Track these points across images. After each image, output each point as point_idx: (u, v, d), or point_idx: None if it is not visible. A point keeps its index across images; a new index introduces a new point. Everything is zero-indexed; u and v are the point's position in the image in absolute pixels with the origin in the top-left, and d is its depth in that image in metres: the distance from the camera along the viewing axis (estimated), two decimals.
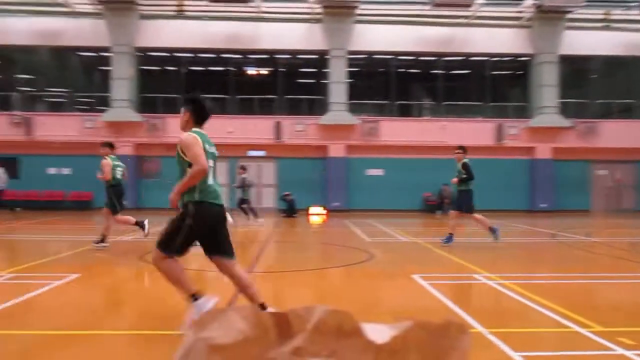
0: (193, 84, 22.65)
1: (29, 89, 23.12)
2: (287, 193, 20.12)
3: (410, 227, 15.85)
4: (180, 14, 21.73)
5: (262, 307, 4.20)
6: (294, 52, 22.84)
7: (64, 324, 4.66)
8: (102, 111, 21.27)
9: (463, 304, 5.70)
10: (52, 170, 21.54)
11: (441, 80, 23.37)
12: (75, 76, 24.11)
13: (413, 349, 1.53)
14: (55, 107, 22.58)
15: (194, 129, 4.40)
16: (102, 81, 22.76)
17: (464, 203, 10.34)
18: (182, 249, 4.20)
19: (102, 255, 9.28)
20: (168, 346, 4.20)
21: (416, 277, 6.90)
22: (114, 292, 6.51)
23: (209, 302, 4.17)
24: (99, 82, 23.93)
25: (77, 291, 6.36)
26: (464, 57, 23.40)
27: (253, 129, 21.61)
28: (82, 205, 21.33)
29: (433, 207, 21.47)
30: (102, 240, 9.56)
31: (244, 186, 15.60)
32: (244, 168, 15.98)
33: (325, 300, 5.92)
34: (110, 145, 9.82)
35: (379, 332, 1.50)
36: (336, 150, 21.93)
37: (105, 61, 21.77)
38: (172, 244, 4.16)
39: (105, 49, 21.51)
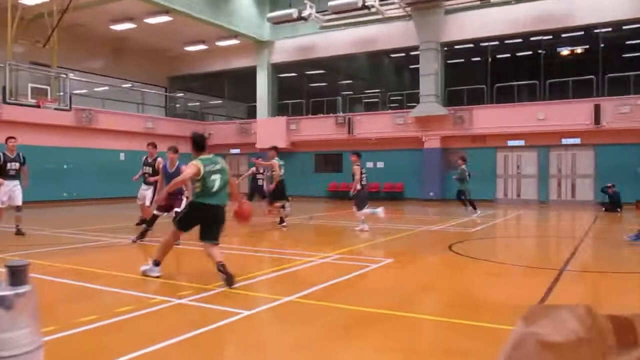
0: (499, 72, 21.98)
1: (349, 92, 26.08)
2: (609, 185, 17.70)
3: None
4: (484, 3, 21.29)
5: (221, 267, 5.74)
6: (617, 24, 19.94)
7: (379, 303, 5.04)
8: (411, 107, 22.47)
9: None
10: (369, 164, 23.81)
11: None
12: (387, 77, 26.16)
13: None
14: (371, 107, 24.90)
15: (200, 157, 6.11)
16: (411, 79, 24.09)
17: None
18: (184, 228, 6.32)
19: (412, 244, 9.78)
20: (476, 337, 4.12)
21: None
22: (423, 278, 6.77)
23: (154, 271, 6.24)
24: (408, 80, 25.41)
25: (391, 275, 6.83)
26: None
27: (566, 114, 19.70)
28: (394, 196, 22.99)
29: None
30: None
31: (463, 178, 14.94)
32: (463, 159, 15.24)
33: None
34: (276, 149, 12.27)
35: None
36: None
37: (414, 60, 22.91)
38: (179, 224, 6.33)
39: (414, 48, 22.63)
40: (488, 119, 20.85)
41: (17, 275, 1.24)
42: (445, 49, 22.68)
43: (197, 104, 31.39)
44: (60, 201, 20.19)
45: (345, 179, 24.08)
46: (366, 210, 11.67)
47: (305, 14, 21.83)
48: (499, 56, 22.71)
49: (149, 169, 10.92)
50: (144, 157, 11.21)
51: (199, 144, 6.25)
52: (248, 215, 6.98)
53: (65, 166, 20.65)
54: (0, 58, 17.94)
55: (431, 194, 21.52)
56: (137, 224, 11.39)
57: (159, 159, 10.52)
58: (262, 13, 25.09)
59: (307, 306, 4.97)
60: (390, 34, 23.38)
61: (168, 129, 25.54)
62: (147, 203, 11.05)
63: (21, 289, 1.23)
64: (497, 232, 12.58)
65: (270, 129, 25.12)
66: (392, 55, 25.29)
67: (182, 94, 31.11)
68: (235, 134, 26.65)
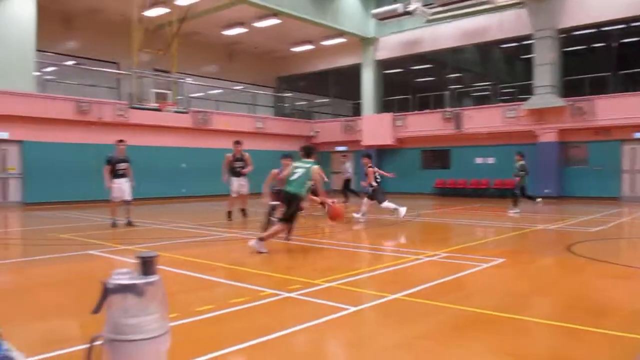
0: (625, 58, 20.17)
1: (457, 86, 25.30)
2: None
3: None
4: None
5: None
6: None
7: (490, 304, 4.86)
8: (523, 100, 21.32)
9: None
10: (478, 160, 22.95)
11: None
12: (498, 69, 25.03)
13: None
14: (480, 101, 23.96)
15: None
16: (523, 70, 22.84)
17: None
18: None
19: (527, 243, 9.31)
20: (596, 344, 3.84)
21: None
22: (537, 280, 6.41)
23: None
24: (520, 71, 24.12)
25: (502, 275, 6.55)
26: None
27: None
28: (505, 193, 21.95)
29: None
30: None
31: (525, 173, 15.13)
32: (521, 155, 15.21)
33: None
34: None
35: None
36: None
37: (527, 49, 21.71)
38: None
39: (527, 37, 21.44)
40: (612, 109, 19.18)
41: (147, 265, 1.36)
42: (563, 35, 21.21)
43: (304, 103, 32.16)
44: (179, 197, 21.69)
45: (453, 175, 23.50)
46: (390, 205, 12.54)
47: (410, 8, 21.50)
48: (626, 40, 20.81)
49: (240, 164, 13.12)
50: (230, 155, 13.20)
51: (306, 152, 8.64)
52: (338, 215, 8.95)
53: (183, 165, 22.12)
54: (126, 66, 19.64)
55: (546, 190, 20.27)
56: (230, 216, 13.20)
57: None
58: (367, 10, 25.09)
59: (414, 304, 4.92)
60: (500, 23, 22.35)
61: (276, 128, 26.44)
62: (246, 192, 13.14)
63: (151, 278, 1.35)
64: (623, 232, 11.57)
65: (375, 126, 25.10)
66: (503, 46, 24.14)
67: (289, 94, 32.03)
68: (341, 131, 26.94)
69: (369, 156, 13.16)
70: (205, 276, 6.35)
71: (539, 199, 15.81)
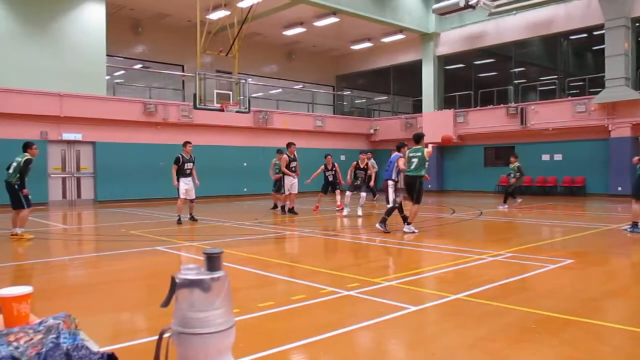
0: None
1: (522, 80, 24.44)
2: None
3: None
4: None
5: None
6: None
7: (558, 307, 4.67)
8: (594, 94, 20.33)
9: None
10: (545, 157, 22.08)
11: None
12: (565, 62, 23.96)
13: None
14: (547, 95, 23.03)
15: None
16: (593, 62, 21.76)
17: None
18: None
19: (598, 243, 8.89)
20: None
21: None
22: (610, 282, 6.10)
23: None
24: (590, 63, 23.01)
25: (571, 277, 6.27)
26: None
27: None
28: (574, 191, 21.06)
29: None
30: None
31: (517, 175, 16.47)
32: (516, 156, 16.85)
33: None
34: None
35: None
36: None
37: (597, 40, 20.68)
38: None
39: (598, 28, 20.42)
40: None
41: (213, 261, 1.40)
42: (638, 24, 20.05)
43: (363, 100, 32.05)
44: (241, 195, 22.17)
45: None
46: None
47: (472, 1, 20.95)
48: None
49: (294, 164, 14.20)
50: (286, 156, 14.24)
51: (417, 140, 10.29)
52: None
53: (244, 164, 22.58)
54: (191, 69, 20.27)
55: (619, 188, 19.25)
56: (278, 210, 14.88)
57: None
58: (427, 5, 24.68)
59: (478, 305, 4.80)
60: (568, 14, 21.40)
61: (335, 126, 26.50)
62: (296, 190, 14.15)
63: (216, 274, 1.38)
64: None
65: (436, 123, 24.65)
66: (571, 37, 23.09)
67: (348, 92, 32.02)
68: (401, 129, 26.64)
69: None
70: (265, 273, 6.46)
71: (519, 199, 16.81)
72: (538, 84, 24.20)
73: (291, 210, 14.13)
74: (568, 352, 3.64)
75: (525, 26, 22.71)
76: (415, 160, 10.00)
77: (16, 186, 9.68)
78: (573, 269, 6.62)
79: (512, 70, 24.58)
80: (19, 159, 9.78)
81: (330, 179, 15.34)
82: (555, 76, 23.41)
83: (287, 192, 14.06)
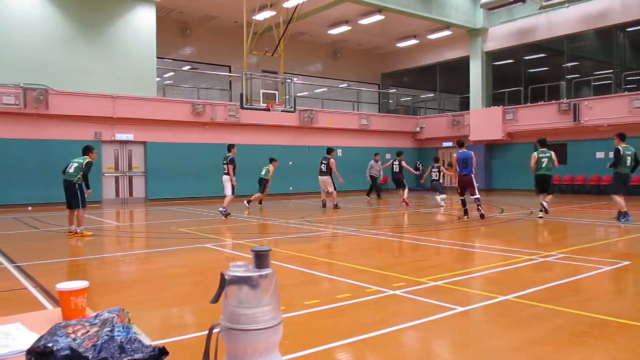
0: None
1: (575, 75, 23.60)
2: None
3: None
4: None
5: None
6: None
7: (613, 311, 4.49)
8: None
9: None
10: (599, 155, 21.26)
11: None
12: (622, 55, 22.96)
13: None
14: (601, 90, 22.15)
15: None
16: None
17: None
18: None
19: None
20: None
21: None
22: None
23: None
24: None
25: (628, 279, 6.03)
26: None
27: None
28: (632, 191, 20.14)
29: None
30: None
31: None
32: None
33: None
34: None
35: None
36: None
37: None
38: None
39: None
40: None
41: (261, 258, 1.43)
42: None
43: (409, 98, 31.72)
44: (287, 194, 22.36)
45: (570, 171, 21.99)
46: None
47: None
48: None
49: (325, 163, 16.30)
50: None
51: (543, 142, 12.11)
52: None
53: (290, 162, 22.75)
54: (237, 69, 20.58)
55: None
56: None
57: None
58: (475, 0, 24.18)
59: (528, 307, 4.68)
60: (625, 5, 20.50)
61: (381, 124, 26.33)
62: (331, 189, 15.94)
63: (264, 272, 1.41)
64: None
65: (484, 120, 24.14)
66: (628, 30, 22.11)
67: (394, 90, 31.75)
68: (447, 126, 26.21)
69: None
70: (311, 271, 6.50)
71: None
72: (592, 78, 23.31)
73: (336, 206, 15.75)
74: (623, 357, 3.51)
75: (578, 19, 21.91)
76: (545, 160, 11.88)
77: (77, 185, 10.02)
78: (629, 271, 6.36)
79: (564, 65, 23.75)
80: (80, 160, 10.10)
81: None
82: (611, 70, 22.46)
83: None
